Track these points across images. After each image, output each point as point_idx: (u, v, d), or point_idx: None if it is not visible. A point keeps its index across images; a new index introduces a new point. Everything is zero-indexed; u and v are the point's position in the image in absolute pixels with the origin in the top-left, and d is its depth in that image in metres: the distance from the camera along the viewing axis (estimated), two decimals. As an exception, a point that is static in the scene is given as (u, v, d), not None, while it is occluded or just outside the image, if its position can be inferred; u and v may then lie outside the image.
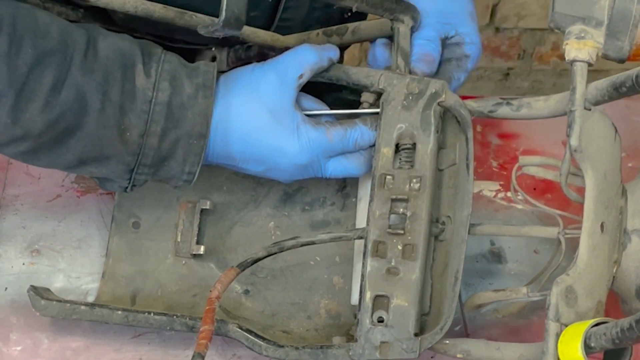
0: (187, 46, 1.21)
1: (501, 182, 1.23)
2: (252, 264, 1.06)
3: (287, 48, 1.09)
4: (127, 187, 1.07)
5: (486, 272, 1.16)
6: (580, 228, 1.01)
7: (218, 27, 0.98)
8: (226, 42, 1.20)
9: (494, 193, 1.22)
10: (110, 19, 1.17)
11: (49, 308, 1.08)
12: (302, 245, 1.08)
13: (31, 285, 1.09)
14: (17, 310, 1.16)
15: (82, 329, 1.15)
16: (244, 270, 1.05)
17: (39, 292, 1.09)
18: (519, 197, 1.06)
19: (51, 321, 1.15)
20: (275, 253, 1.08)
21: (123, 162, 1.03)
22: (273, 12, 1.18)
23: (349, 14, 1.24)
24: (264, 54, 1.16)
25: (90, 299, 1.16)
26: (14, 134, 0.98)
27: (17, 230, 1.21)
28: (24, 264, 1.19)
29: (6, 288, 1.17)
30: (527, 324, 1.12)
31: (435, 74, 1.12)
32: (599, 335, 0.88)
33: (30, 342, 1.15)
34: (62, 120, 0.98)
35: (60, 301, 1.08)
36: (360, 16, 1.29)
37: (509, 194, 1.22)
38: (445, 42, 1.14)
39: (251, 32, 1.10)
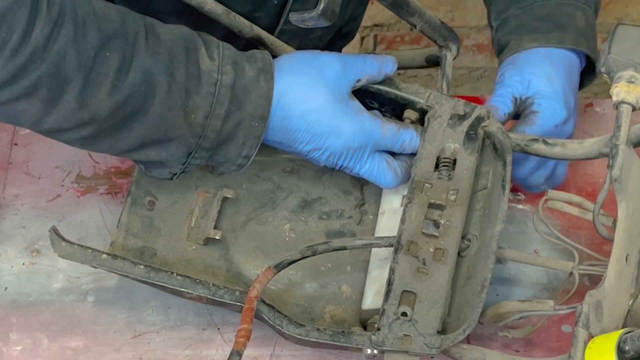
0: None
1: None
2: (287, 266, 1.07)
3: None
4: (176, 174, 1.07)
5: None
6: (593, 265, 1.08)
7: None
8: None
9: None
10: None
11: (69, 250, 1.06)
12: (334, 250, 1.09)
13: (53, 226, 1.07)
14: (17, 310, 1.15)
15: (82, 328, 1.14)
16: (280, 271, 1.06)
17: (60, 235, 1.07)
18: (542, 229, 1.11)
19: (51, 321, 1.14)
20: (309, 256, 1.09)
21: (184, 144, 1.03)
22: (278, 14, 1.21)
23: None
24: None
25: (91, 299, 1.16)
26: (81, 118, 0.98)
27: (17, 230, 1.20)
28: (24, 264, 1.18)
29: (6, 288, 1.16)
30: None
31: None
32: (636, 337, 0.92)
33: (30, 342, 1.13)
34: (129, 102, 0.99)
35: (81, 246, 1.07)
36: (356, 20, 1.38)
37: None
38: (519, 101, 1.20)
39: (279, 45, 1.13)
